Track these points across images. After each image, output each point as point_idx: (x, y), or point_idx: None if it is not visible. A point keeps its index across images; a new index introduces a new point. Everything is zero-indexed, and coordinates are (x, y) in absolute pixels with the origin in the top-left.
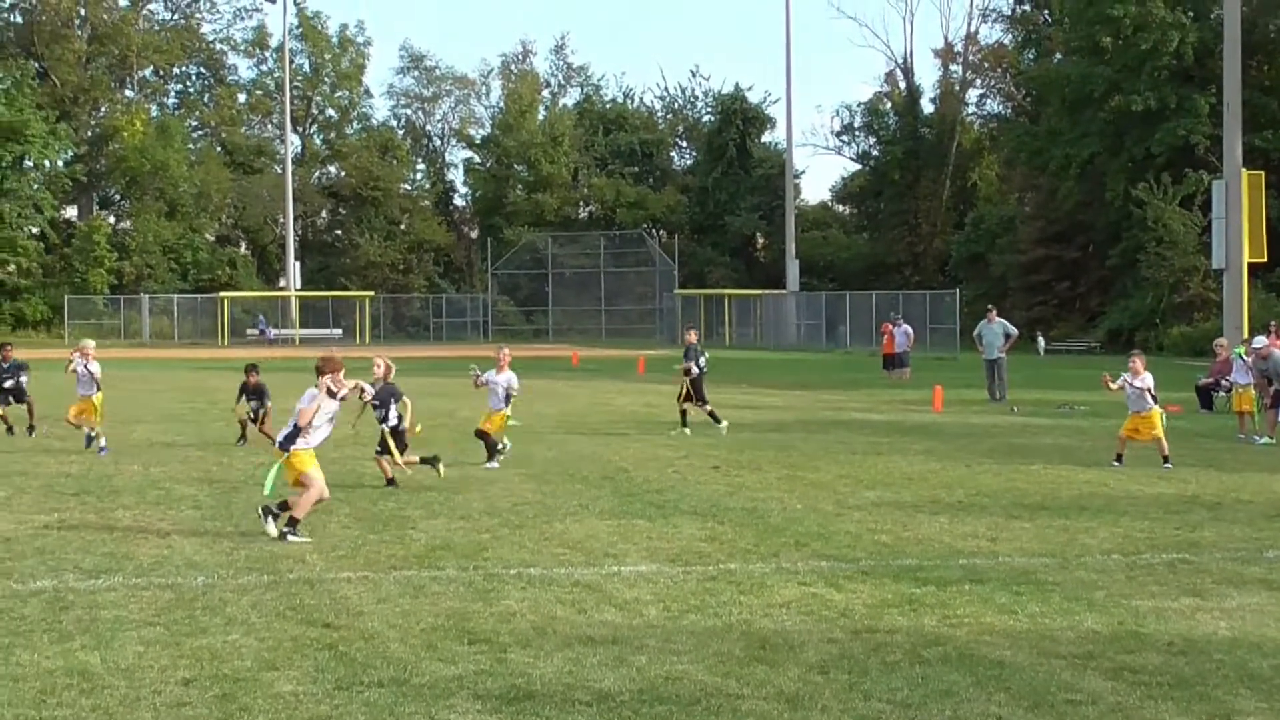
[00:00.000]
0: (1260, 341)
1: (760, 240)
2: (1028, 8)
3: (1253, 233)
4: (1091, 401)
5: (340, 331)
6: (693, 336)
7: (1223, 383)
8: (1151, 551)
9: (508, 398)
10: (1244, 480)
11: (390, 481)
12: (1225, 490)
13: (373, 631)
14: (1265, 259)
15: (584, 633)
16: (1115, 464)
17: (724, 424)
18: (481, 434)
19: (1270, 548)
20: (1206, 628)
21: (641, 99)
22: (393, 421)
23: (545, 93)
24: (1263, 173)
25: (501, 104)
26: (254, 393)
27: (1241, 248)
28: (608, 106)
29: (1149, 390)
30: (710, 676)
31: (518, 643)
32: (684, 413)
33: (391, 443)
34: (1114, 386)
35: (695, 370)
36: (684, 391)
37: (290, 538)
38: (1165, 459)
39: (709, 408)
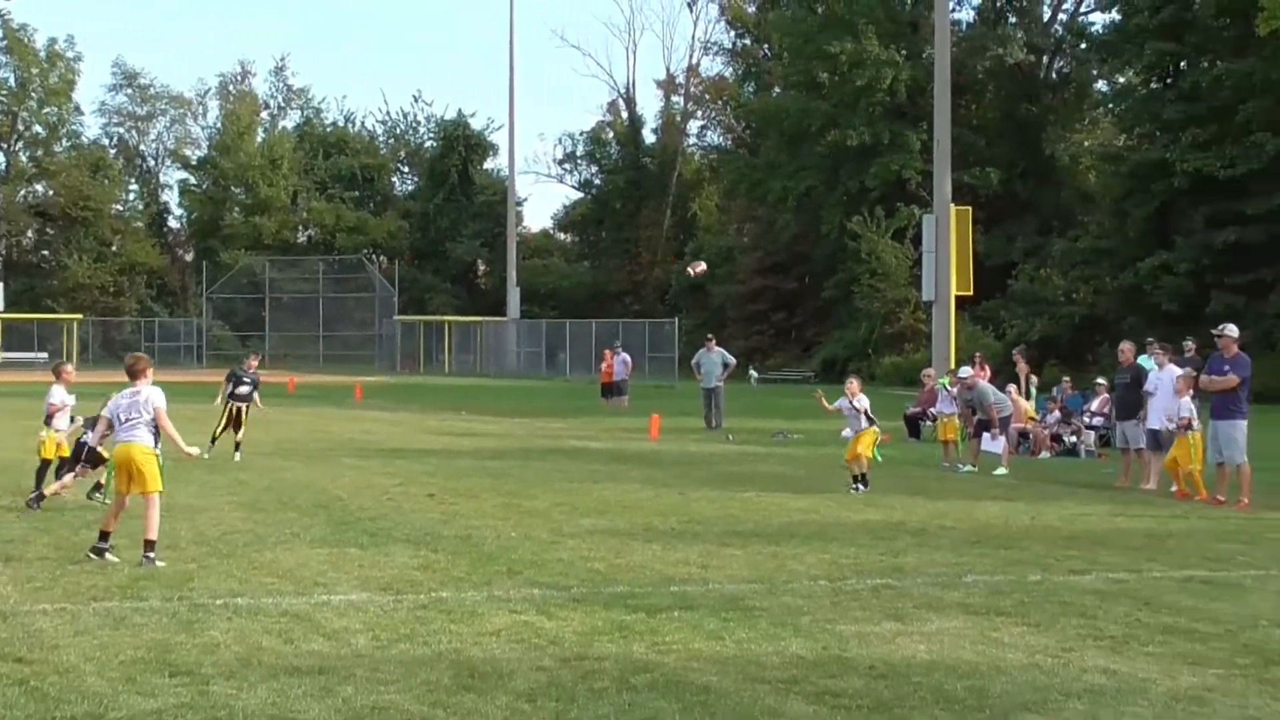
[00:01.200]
0: (966, 372)
1: (482, 267)
2: (748, 42)
3: (960, 266)
4: (806, 430)
5: (46, 355)
6: (254, 361)
7: (929, 412)
8: (857, 577)
9: (72, 418)
10: (948, 507)
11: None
12: (930, 517)
13: (69, 665)
14: (971, 292)
15: (290, 663)
16: (859, 488)
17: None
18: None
19: (970, 572)
20: (907, 651)
21: (363, 123)
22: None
23: (264, 114)
24: (970, 208)
25: (219, 125)
26: None
27: (949, 281)
28: (328, 130)
29: (865, 411)
30: (418, 706)
31: (221, 674)
32: (238, 443)
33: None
34: (830, 407)
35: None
36: (233, 420)
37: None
38: (864, 479)
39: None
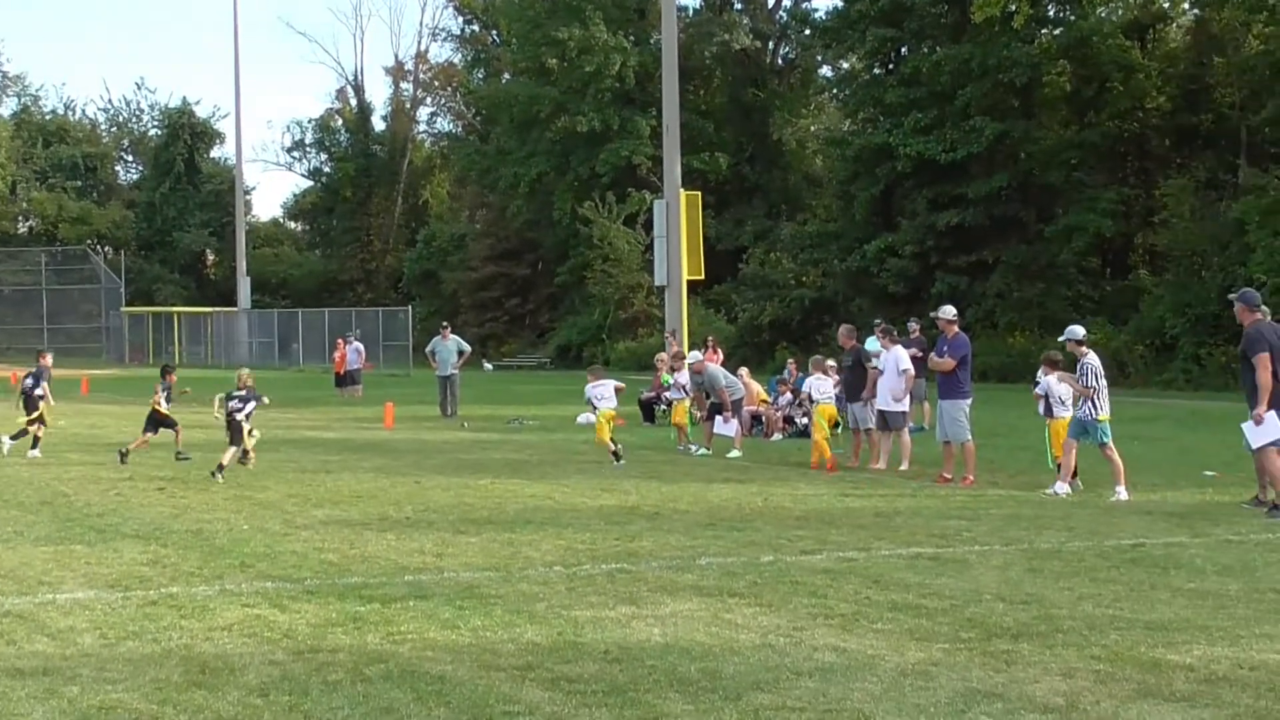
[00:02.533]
0: (695, 356)
1: (211, 257)
2: (477, 28)
3: (691, 251)
4: (541, 416)
5: None
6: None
7: (663, 396)
8: (592, 562)
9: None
10: (682, 490)
11: None
12: (664, 500)
13: None
14: (703, 277)
15: (13, 665)
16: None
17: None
18: None
19: (703, 555)
20: (641, 635)
21: (84, 111)
22: None
23: None
24: (700, 193)
25: None
26: None
27: (681, 265)
28: (48, 117)
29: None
30: (146, 704)
31: None
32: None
33: None
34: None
35: None
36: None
37: None
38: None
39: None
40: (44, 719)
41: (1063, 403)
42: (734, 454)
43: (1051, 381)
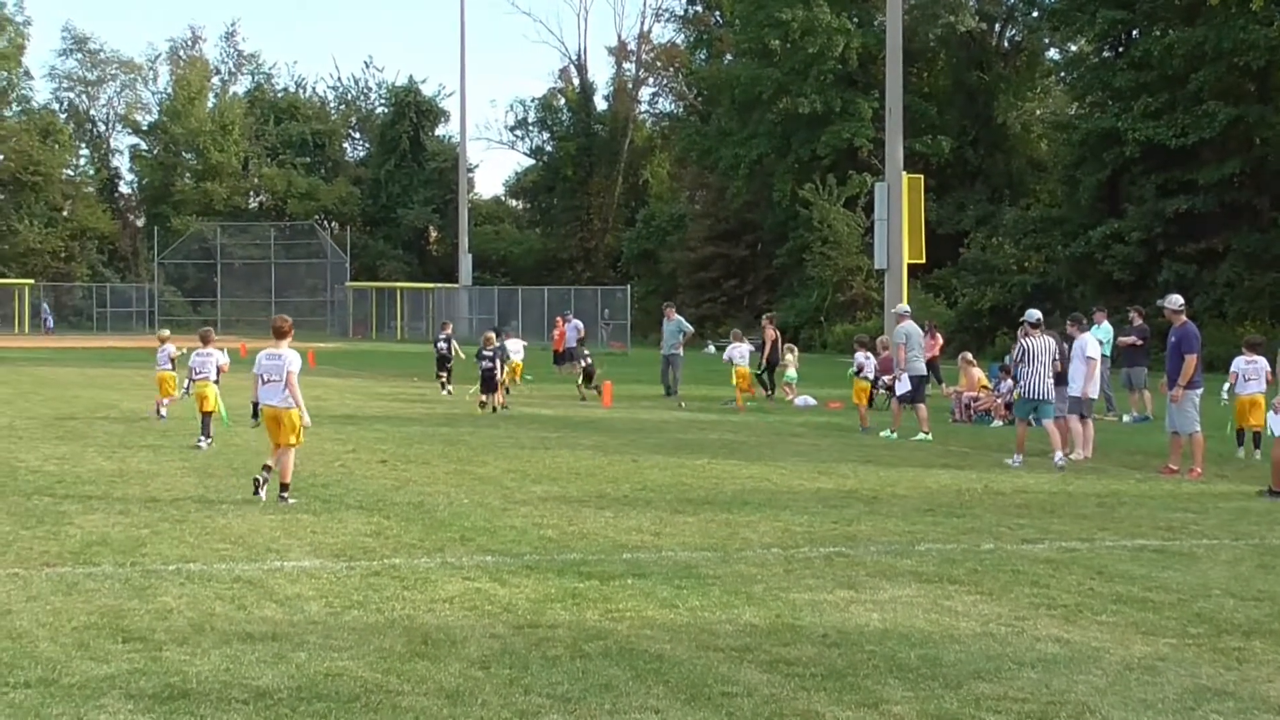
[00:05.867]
0: (904, 309)
1: (433, 233)
2: (700, 8)
3: (912, 234)
4: (759, 398)
5: None
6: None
7: (883, 380)
8: (810, 545)
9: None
10: (900, 475)
11: None
12: (882, 484)
13: (20, 631)
14: (924, 260)
15: (243, 629)
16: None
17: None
18: None
19: (922, 541)
20: (859, 619)
21: (314, 89)
22: None
23: (215, 80)
24: (922, 176)
25: (170, 90)
26: None
27: (901, 249)
28: (279, 95)
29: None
30: (370, 673)
31: (174, 640)
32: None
33: None
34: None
35: None
36: None
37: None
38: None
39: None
40: (273, 683)
41: (1245, 380)
42: (920, 437)
43: (1239, 361)
